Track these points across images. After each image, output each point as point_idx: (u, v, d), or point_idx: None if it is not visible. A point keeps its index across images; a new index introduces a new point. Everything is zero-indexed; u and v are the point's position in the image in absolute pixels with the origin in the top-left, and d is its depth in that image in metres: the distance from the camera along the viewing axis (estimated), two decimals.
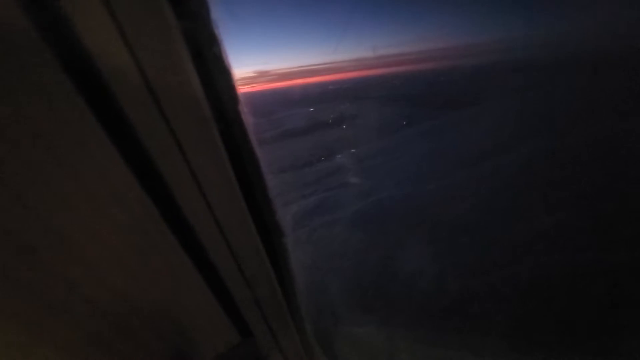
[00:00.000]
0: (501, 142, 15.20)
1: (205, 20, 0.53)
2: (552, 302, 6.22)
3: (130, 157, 0.47)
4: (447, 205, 10.59)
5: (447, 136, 21.49)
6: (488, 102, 27.96)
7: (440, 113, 28.74)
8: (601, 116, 15.43)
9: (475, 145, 16.81)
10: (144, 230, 0.52)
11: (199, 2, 0.52)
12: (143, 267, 0.53)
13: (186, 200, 0.57)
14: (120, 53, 0.41)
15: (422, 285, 7.20)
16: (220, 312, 0.76)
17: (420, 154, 18.56)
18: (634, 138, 11.97)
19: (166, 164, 0.51)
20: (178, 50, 0.46)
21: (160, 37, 0.44)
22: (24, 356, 0.42)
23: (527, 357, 5.35)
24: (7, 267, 0.37)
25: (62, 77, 0.37)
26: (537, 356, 5.30)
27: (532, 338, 5.60)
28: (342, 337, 6.07)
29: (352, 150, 22.07)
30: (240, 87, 0.64)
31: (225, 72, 0.60)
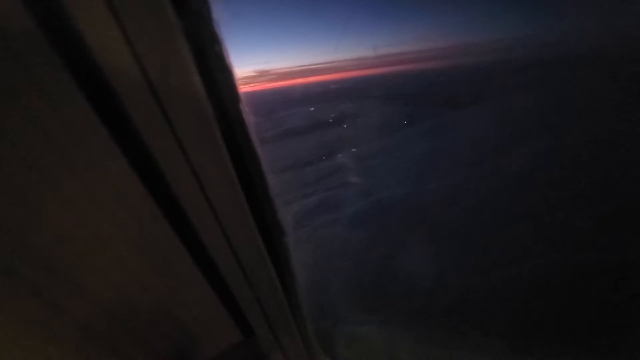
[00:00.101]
0: (501, 142, 15.20)
1: (206, 20, 0.53)
2: (552, 302, 6.22)
3: (132, 156, 0.47)
4: (447, 205, 10.59)
5: (448, 136, 21.47)
6: (488, 101, 27.94)
7: (441, 112, 28.69)
8: (601, 116, 15.42)
9: (476, 145, 16.80)
10: (146, 230, 0.52)
11: (201, 2, 0.52)
12: (145, 266, 0.54)
13: (188, 199, 0.57)
14: (122, 52, 0.41)
15: (423, 284, 7.19)
16: (222, 311, 0.76)
17: (420, 154, 18.53)
18: (634, 138, 11.95)
19: (168, 163, 0.52)
20: (180, 49, 0.46)
21: (162, 36, 0.44)
22: (28, 355, 0.42)
23: (527, 356, 5.34)
24: (9, 266, 0.37)
25: (64, 77, 0.37)
26: (537, 356, 5.30)
27: (532, 338, 5.60)
28: (343, 337, 6.07)
29: (353, 150, 22.02)
30: (241, 86, 0.64)
31: (226, 72, 0.60)
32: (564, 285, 6.48)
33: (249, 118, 0.69)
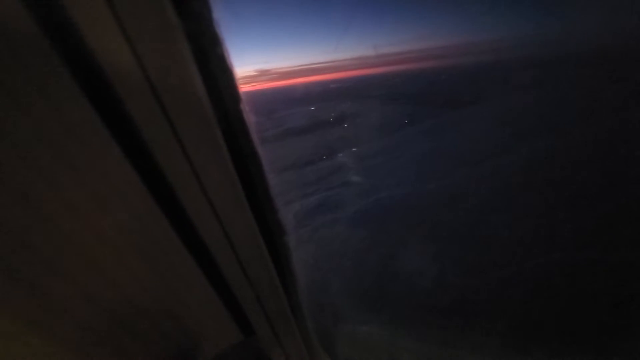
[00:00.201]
0: (501, 142, 15.20)
1: (207, 20, 0.53)
2: (552, 302, 6.22)
3: (133, 156, 0.47)
4: (447, 205, 10.59)
5: (448, 135, 21.47)
6: (489, 101, 27.94)
7: (442, 112, 28.68)
8: (601, 116, 15.41)
9: (476, 145, 16.80)
10: (147, 229, 0.52)
11: (201, 2, 0.52)
12: (146, 266, 0.54)
13: (189, 199, 0.57)
14: (123, 53, 0.41)
15: (423, 284, 7.20)
16: (223, 310, 0.77)
17: (421, 153, 18.54)
18: (634, 138, 11.94)
19: (169, 163, 0.52)
20: (180, 50, 0.47)
21: (163, 37, 0.44)
22: (29, 355, 0.42)
23: (527, 356, 5.34)
24: (12, 267, 0.37)
25: (65, 77, 0.37)
26: (537, 356, 5.30)
27: (532, 338, 5.60)
28: (344, 336, 6.08)
29: (354, 149, 22.02)
30: (241, 85, 0.65)
31: (227, 72, 0.60)
32: (564, 285, 6.48)
33: (250, 118, 0.69)
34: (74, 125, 0.38)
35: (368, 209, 11.75)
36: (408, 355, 5.53)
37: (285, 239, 0.93)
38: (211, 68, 0.56)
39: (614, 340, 5.25)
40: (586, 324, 5.66)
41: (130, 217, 0.49)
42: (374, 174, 16.81)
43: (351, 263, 8.54)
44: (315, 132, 30.25)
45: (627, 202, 8.30)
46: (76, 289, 0.44)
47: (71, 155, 0.39)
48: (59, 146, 0.38)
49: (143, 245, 0.52)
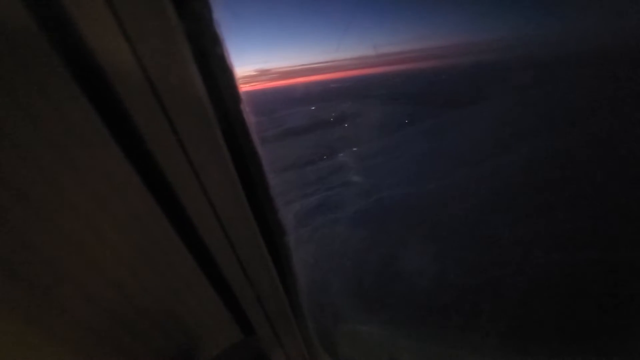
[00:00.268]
0: (502, 142, 15.19)
1: (207, 20, 0.53)
2: (552, 302, 6.22)
3: (134, 156, 0.47)
4: (447, 205, 10.59)
5: (449, 135, 21.47)
6: (489, 100, 27.92)
7: (442, 112, 28.66)
8: (601, 115, 15.41)
9: (476, 145, 16.80)
10: (147, 229, 0.52)
11: (201, 2, 0.52)
12: (146, 266, 0.54)
13: (189, 199, 0.57)
14: (124, 53, 0.41)
15: (423, 284, 7.20)
16: (223, 310, 0.77)
17: (421, 153, 18.54)
18: (634, 138, 11.94)
19: (169, 162, 0.52)
20: (181, 50, 0.47)
21: (163, 37, 0.44)
22: (29, 354, 0.42)
23: (527, 356, 5.35)
24: (11, 266, 0.37)
25: (65, 77, 0.37)
26: (537, 355, 5.30)
27: (532, 337, 5.60)
28: (344, 336, 6.08)
29: (354, 149, 22.00)
30: (241, 85, 0.65)
31: (227, 71, 0.60)
32: (564, 285, 6.48)
33: (250, 117, 0.69)
34: (74, 125, 0.38)
35: (368, 209, 11.75)
36: (408, 354, 5.53)
37: (286, 238, 0.94)
38: (211, 68, 0.56)
39: (614, 340, 5.25)
40: (586, 324, 5.66)
41: (131, 216, 0.49)
42: (375, 173, 16.81)
43: (351, 263, 8.54)
44: (316, 132, 30.23)
45: (627, 202, 8.30)
46: (76, 288, 0.44)
47: (71, 155, 0.39)
48: (59, 146, 0.38)
49: (143, 245, 0.52)
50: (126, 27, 0.40)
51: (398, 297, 7.13)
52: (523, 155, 12.93)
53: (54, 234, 0.40)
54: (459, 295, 6.78)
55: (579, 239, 7.47)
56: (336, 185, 16.00)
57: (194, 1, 0.50)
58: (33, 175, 0.36)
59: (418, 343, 5.75)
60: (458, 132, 21.45)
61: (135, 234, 0.50)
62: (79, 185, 0.41)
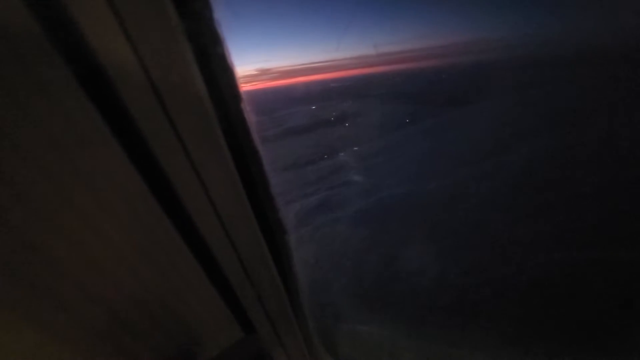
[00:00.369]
0: (502, 141, 15.17)
1: (208, 19, 0.54)
2: (553, 302, 6.22)
3: (135, 155, 0.47)
4: (448, 204, 10.59)
5: (449, 134, 21.45)
6: (490, 100, 27.88)
7: (442, 111, 28.61)
8: (602, 115, 15.39)
9: (477, 144, 16.79)
10: (148, 228, 0.52)
11: (202, 2, 0.52)
12: (147, 265, 0.54)
13: (189, 199, 0.57)
14: (124, 53, 0.41)
15: (424, 283, 7.20)
16: (224, 309, 0.77)
17: (422, 152, 18.53)
18: (634, 137, 11.93)
19: (169, 162, 0.52)
20: (181, 49, 0.47)
21: (164, 36, 0.44)
22: (31, 354, 0.42)
23: (527, 355, 5.35)
24: (12, 266, 0.37)
25: (66, 77, 0.37)
26: (537, 355, 5.30)
27: (533, 337, 5.60)
28: (344, 335, 6.08)
29: (355, 148, 21.98)
30: (242, 85, 0.65)
31: (228, 71, 0.60)
32: (564, 285, 6.48)
33: (251, 117, 0.69)
34: (74, 125, 0.39)
35: (369, 209, 11.75)
36: (409, 354, 5.53)
37: (286, 238, 0.94)
38: (212, 67, 0.56)
39: (615, 340, 5.25)
40: (586, 323, 5.66)
41: (131, 216, 0.49)
42: (375, 173, 16.79)
43: (352, 262, 8.54)
44: (316, 131, 30.20)
45: (627, 202, 8.30)
46: (76, 288, 0.44)
47: (72, 155, 0.39)
48: (59, 146, 0.38)
49: (144, 244, 0.52)
50: (127, 26, 0.40)
51: (398, 296, 7.13)
52: (523, 155, 12.92)
53: (55, 233, 0.40)
54: (459, 295, 6.78)
55: (579, 239, 7.47)
56: (337, 185, 15.99)
57: (195, 0, 0.50)
58: (33, 175, 0.37)
59: (418, 342, 5.75)
60: (458, 131, 21.42)
61: (136, 233, 0.50)
62: (79, 185, 0.41)
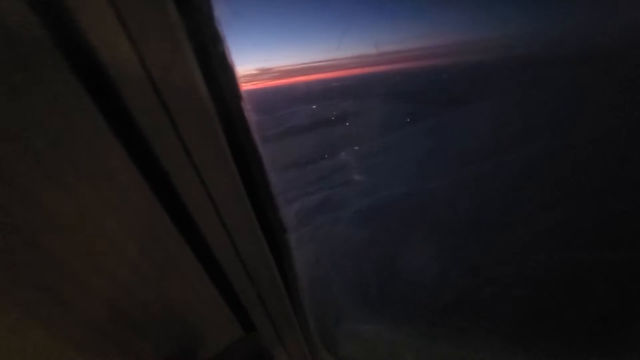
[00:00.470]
0: (502, 141, 15.15)
1: (208, 18, 0.54)
2: (553, 301, 6.22)
3: (135, 154, 0.47)
4: (449, 204, 10.58)
5: (450, 134, 21.42)
6: (490, 99, 27.79)
7: (443, 110, 28.54)
8: (602, 115, 15.36)
9: (478, 144, 16.76)
10: (149, 227, 0.52)
11: (202, 0, 0.52)
12: (148, 263, 0.54)
13: (190, 198, 0.58)
14: (125, 52, 0.41)
15: (425, 283, 7.20)
16: (225, 307, 0.77)
17: (422, 152, 18.49)
18: (634, 137, 11.91)
19: (170, 161, 0.52)
20: (182, 48, 0.47)
21: (165, 35, 0.44)
22: (34, 351, 0.42)
23: (528, 355, 5.34)
24: (16, 264, 0.37)
25: (68, 76, 0.37)
26: (538, 354, 5.30)
27: (533, 336, 5.60)
28: (345, 334, 6.09)
29: (356, 148, 21.95)
30: (242, 84, 0.65)
31: (228, 70, 0.60)
32: (564, 285, 6.47)
33: (251, 116, 0.69)
34: (76, 124, 0.39)
35: (370, 208, 11.74)
36: (409, 353, 5.53)
37: (287, 237, 0.94)
38: (212, 66, 0.56)
39: (615, 340, 5.25)
40: (587, 323, 5.65)
41: (133, 214, 0.49)
42: (376, 172, 16.78)
43: (352, 262, 8.53)
44: (317, 131, 30.15)
45: (627, 202, 8.29)
46: (79, 287, 0.44)
47: (73, 153, 0.39)
48: (61, 145, 0.38)
49: (145, 243, 0.52)
50: (128, 25, 0.40)
51: (399, 296, 7.13)
52: (523, 154, 12.89)
53: (56, 233, 0.40)
54: (459, 294, 6.78)
55: (579, 239, 7.46)
56: (337, 184, 15.98)
57: None
58: (35, 174, 0.37)
59: (419, 342, 5.75)
60: (459, 131, 21.41)
61: (137, 233, 0.51)
62: (80, 184, 0.41)
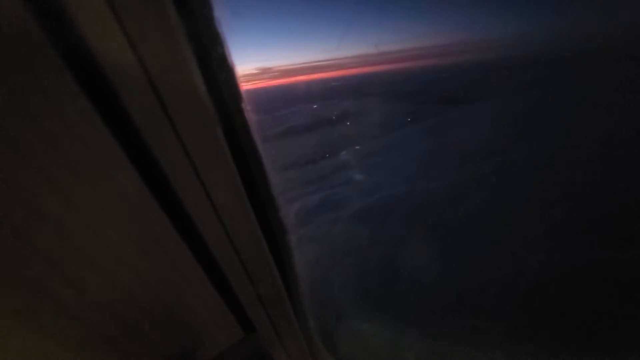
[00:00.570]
0: (504, 140, 15.14)
1: (208, 19, 0.53)
2: (553, 301, 6.21)
3: (135, 155, 0.47)
4: (449, 203, 10.57)
5: (450, 134, 21.39)
6: (491, 99, 27.77)
7: (443, 110, 28.54)
8: (603, 114, 15.34)
9: (478, 144, 16.75)
10: (148, 228, 0.52)
11: (202, 1, 0.52)
12: (147, 265, 0.54)
13: (190, 198, 0.57)
14: (124, 52, 0.41)
15: (426, 282, 7.20)
16: (224, 308, 0.77)
17: (423, 152, 18.48)
18: (634, 137, 11.90)
19: (170, 162, 0.52)
20: (181, 49, 0.47)
21: (164, 36, 0.44)
22: (31, 353, 0.42)
23: (528, 355, 5.34)
24: (11, 266, 0.37)
25: (66, 78, 0.37)
26: (538, 354, 5.30)
27: (534, 336, 5.60)
28: (345, 334, 6.08)
29: (356, 147, 21.96)
30: (243, 84, 0.65)
31: (228, 70, 0.60)
32: (564, 285, 6.47)
33: (251, 116, 0.69)
34: (75, 126, 0.38)
35: (370, 208, 11.73)
36: (409, 353, 5.53)
37: (287, 237, 0.94)
38: (212, 67, 0.56)
39: (615, 340, 5.24)
40: (587, 323, 5.65)
41: (131, 216, 0.49)
42: (377, 172, 16.78)
43: (353, 261, 8.53)
44: (318, 130, 30.17)
45: (626, 202, 8.28)
46: (76, 288, 0.44)
47: (72, 155, 0.39)
48: (59, 147, 0.38)
49: (144, 244, 0.52)
50: (127, 26, 0.40)
51: (399, 295, 7.13)
52: (523, 154, 12.88)
53: (55, 234, 0.40)
54: (460, 294, 6.78)
55: (579, 239, 7.45)
56: (338, 184, 15.97)
57: (195, 0, 0.50)
58: (33, 175, 0.36)
59: (419, 342, 5.75)
60: (460, 130, 21.38)
61: (136, 233, 0.50)
62: (79, 186, 0.41)
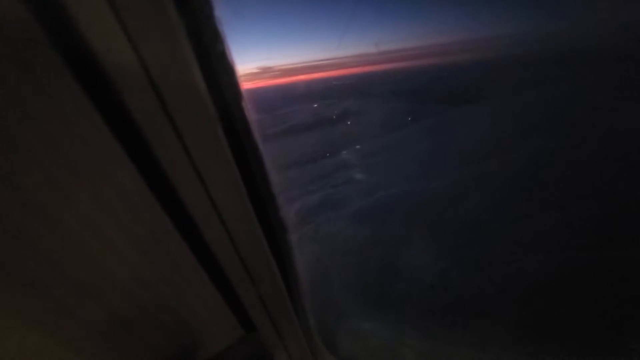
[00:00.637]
0: (504, 140, 15.15)
1: (208, 18, 0.53)
2: (553, 301, 6.22)
3: (135, 154, 0.47)
4: (450, 203, 10.58)
5: (451, 133, 21.39)
6: (491, 98, 27.76)
7: (444, 109, 28.51)
8: (603, 114, 15.33)
9: (479, 143, 16.75)
10: (148, 228, 0.52)
11: (203, 0, 0.52)
12: (147, 264, 0.54)
13: (190, 197, 0.57)
14: (124, 51, 0.41)
15: (426, 281, 7.20)
16: (224, 307, 0.77)
17: (423, 151, 18.50)
18: (634, 136, 11.89)
19: (170, 161, 0.52)
20: (182, 48, 0.46)
21: (164, 35, 0.44)
22: (31, 353, 0.42)
23: (528, 354, 5.35)
24: (11, 265, 0.37)
25: (66, 77, 0.37)
26: (538, 354, 5.30)
27: (534, 336, 5.60)
28: (345, 333, 6.09)
29: (357, 147, 21.99)
30: (243, 83, 0.65)
31: (228, 69, 0.60)
32: (564, 285, 6.47)
33: (252, 115, 0.69)
34: (74, 125, 0.38)
35: (371, 207, 11.74)
36: (410, 352, 5.53)
37: (288, 236, 0.94)
38: (213, 66, 0.56)
39: (615, 341, 5.24)
40: (587, 323, 5.65)
41: (132, 215, 0.49)
42: (377, 171, 16.79)
43: (353, 261, 8.54)
44: (318, 130, 30.17)
45: (627, 202, 8.28)
46: (76, 286, 0.44)
47: (72, 155, 0.39)
48: (59, 146, 0.38)
49: (144, 244, 0.52)
50: (127, 25, 0.40)
51: (400, 295, 7.14)
52: (524, 154, 12.88)
53: (55, 233, 0.40)
54: (460, 294, 6.78)
55: (579, 239, 7.45)
56: (339, 183, 16.00)
57: None
58: (33, 175, 0.36)
59: (420, 340, 5.76)
60: (460, 130, 21.38)
61: (136, 233, 0.50)
62: (79, 185, 0.41)
